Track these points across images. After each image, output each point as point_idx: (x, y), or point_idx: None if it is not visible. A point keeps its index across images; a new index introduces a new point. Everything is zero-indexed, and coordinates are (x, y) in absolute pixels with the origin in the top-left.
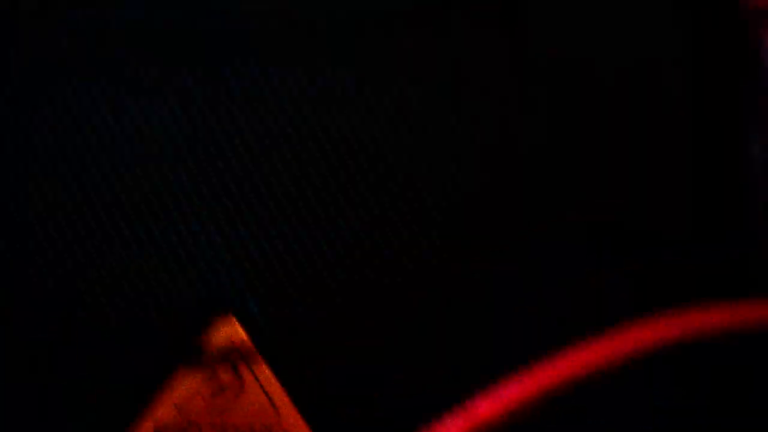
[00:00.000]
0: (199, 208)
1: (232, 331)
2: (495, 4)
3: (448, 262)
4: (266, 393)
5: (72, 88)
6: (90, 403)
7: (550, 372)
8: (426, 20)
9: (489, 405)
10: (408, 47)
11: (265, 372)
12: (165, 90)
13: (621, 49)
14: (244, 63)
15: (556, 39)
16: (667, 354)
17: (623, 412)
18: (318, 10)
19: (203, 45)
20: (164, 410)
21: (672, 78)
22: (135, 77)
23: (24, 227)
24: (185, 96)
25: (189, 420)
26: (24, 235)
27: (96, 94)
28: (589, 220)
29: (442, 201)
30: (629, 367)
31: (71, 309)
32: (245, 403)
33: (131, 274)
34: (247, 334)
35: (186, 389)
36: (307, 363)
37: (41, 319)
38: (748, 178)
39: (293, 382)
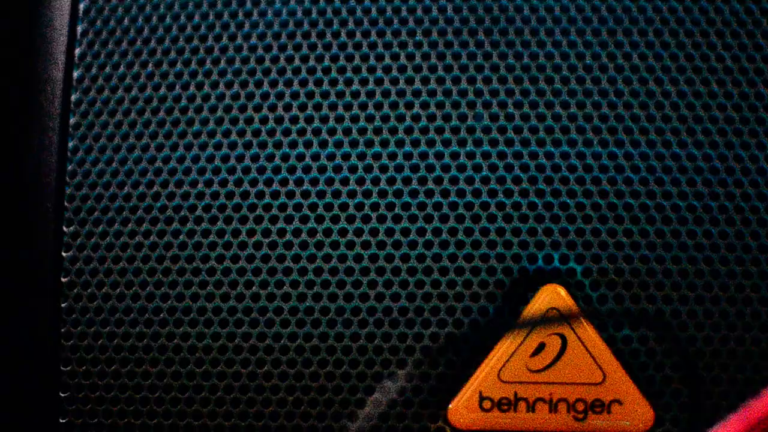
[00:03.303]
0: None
1: (554, 295)
2: None
3: None
4: (590, 353)
5: None
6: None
7: None
8: None
9: None
10: None
11: (588, 332)
12: None
13: None
14: None
15: None
16: None
17: None
18: None
19: None
20: (488, 375)
21: None
22: None
23: None
24: None
25: (512, 383)
26: None
27: None
28: None
29: None
30: None
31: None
32: (569, 364)
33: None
34: (571, 297)
35: (509, 353)
36: (630, 322)
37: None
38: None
39: (617, 342)
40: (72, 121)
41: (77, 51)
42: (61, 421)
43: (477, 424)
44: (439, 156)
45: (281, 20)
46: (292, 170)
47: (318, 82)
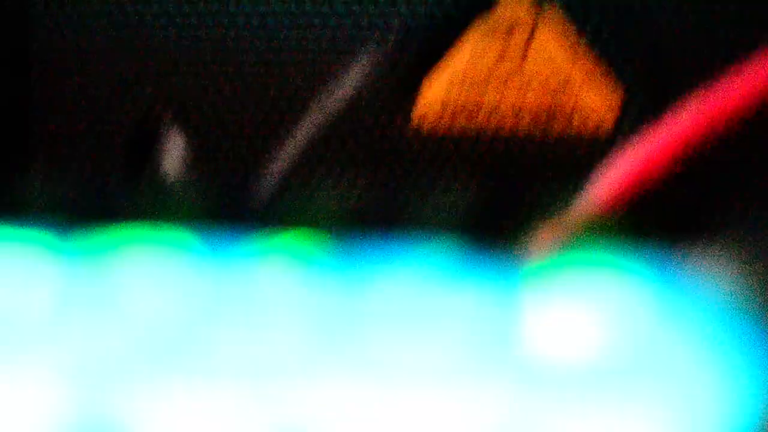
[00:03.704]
0: None
1: None
2: None
3: None
4: (553, 55)
5: None
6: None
7: None
8: None
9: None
10: None
11: (551, 31)
12: None
13: None
14: None
15: None
16: None
17: None
18: None
19: None
20: (451, 77)
21: None
22: None
23: None
24: None
25: (476, 83)
26: None
27: None
28: None
29: None
30: None
31: None
32: (533, 66)
33: None
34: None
35: (473, 54)
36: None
37: None
38: None
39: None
40: None
41: None
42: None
43: (438, 126)
44: None
45: None
46: None
47: None
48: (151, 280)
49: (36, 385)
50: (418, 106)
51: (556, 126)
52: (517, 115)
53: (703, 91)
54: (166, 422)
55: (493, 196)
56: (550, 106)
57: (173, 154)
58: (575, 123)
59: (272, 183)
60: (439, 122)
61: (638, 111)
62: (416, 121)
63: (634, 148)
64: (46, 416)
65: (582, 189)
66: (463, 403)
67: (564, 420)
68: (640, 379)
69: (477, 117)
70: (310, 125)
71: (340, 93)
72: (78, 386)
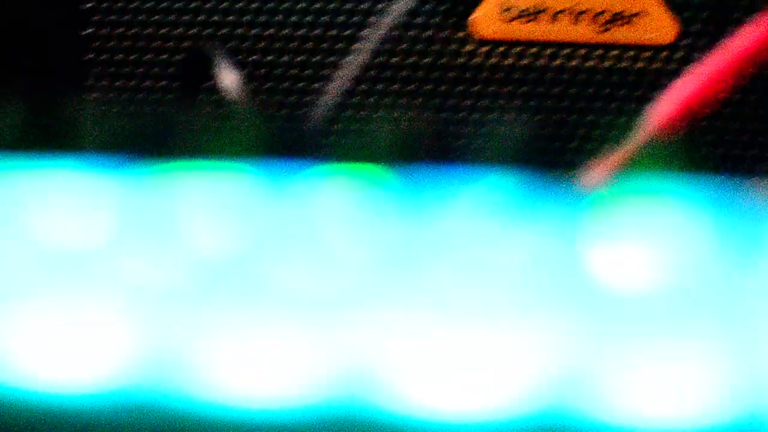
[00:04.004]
0: None
1: None
2: None
3: None
4: None
5: None
6: None
7: None
8: None
9: None
10: None
11: None
12: None
13: None
14: None
15: None
16: None
17: None
18: None
19: None
20: None
21: None
22: None
23: None
24: None
25: None
26: None
27: None
28: None
29: None
30: None
31: None
32: None
33: None
34: None
35: None
36: None
37: None
38: None
39: None
40: None
41: None
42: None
43: (499, 33)
44: None
45: None
46: None
47: None
48: (213, 213)
49: (99, 317)
50: (478, 12)
51: (616, 33)
52: (577, 18)
53: (764, 16)
54: (228, 355)
55: (551, 126)
56: (612, 9)
57: (227, 86)
58: (636, 32)
59: (327, 115)
60: (498, 29)
61: (699, 32)
62: (476, 27)
63: (693, 72)
64: (108, 348)
65: (641, 116)
66: (523, 334)
67: (625, 351)
68: (700, 310)
69: (537, 22)
70: (364, 54)
71: (395, 18)
72: (140, 318)
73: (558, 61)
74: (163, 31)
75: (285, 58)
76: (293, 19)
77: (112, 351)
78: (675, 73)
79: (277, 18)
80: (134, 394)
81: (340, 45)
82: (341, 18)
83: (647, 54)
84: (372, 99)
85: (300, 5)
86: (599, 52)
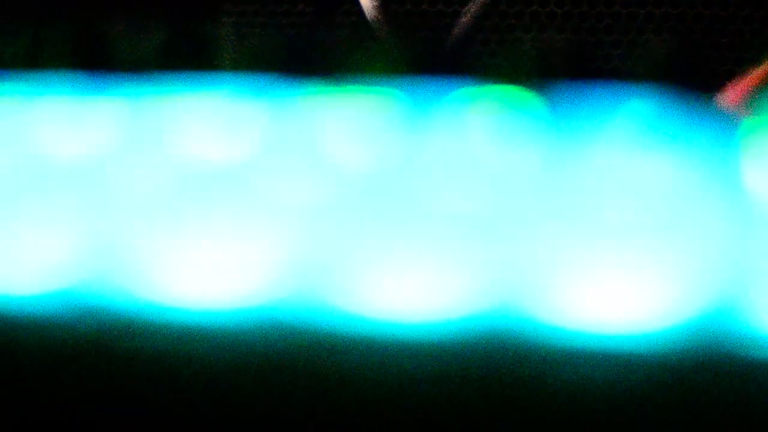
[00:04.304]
0: None
1: None
2: None
3: None
4: None
5: None
6: None
7: None
8: None
9: None
10: None
11: None
12: None
13: None
14: None
15: None
16: None
17: None
18: None
19: None
20: None
21: None
22: None
23: None
24: None
25: None
26: None
27: None
28: None
29: None
30: None
31: None
32: None
33: None
34: None
35: None
36: None
37: None
38: None
39: None
40: None
41: None
42: None
43: None
44: None
45: None
46: None
47: None
48: (356, 133)
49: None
50: None
51: None
52: None
53: None
54: (383, 269)
55: (693, 48)
56: None
57: (366, 8)
58: None
59: (466, 36)
60: None
61: None
62: None
63: None
64: (261, 264)
65: None
66: (663, 253)
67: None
68: None
69: None
70: None
71: None
72: (291, 234)
73: None
74: None
75: None
76: None
77: (264, 267)
78: None
79: None
80: (291, 310)
81: None
82: None
83: None
84: (511, 20)
85: None
86: None
